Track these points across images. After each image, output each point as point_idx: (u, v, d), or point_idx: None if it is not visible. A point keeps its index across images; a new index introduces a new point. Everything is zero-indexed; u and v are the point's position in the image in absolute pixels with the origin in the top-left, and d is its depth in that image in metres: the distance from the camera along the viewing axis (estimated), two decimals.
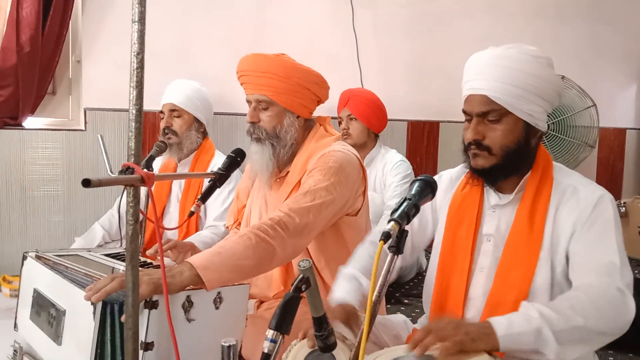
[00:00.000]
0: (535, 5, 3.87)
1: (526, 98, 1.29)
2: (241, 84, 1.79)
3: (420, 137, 3.68)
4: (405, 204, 1.01)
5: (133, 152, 1.06)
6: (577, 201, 1.30)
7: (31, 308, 1.48)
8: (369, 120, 3.02)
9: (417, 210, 1.03)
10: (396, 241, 0.95)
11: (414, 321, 1.56)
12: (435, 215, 1.50)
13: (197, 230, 2.43)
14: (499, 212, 1.38)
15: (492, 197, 1.39)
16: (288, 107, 1.73)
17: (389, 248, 0.96)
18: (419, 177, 1.11)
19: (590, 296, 1.17)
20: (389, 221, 0.97)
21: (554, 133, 3.64)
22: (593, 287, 1.20)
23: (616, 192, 4.28)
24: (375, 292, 0.95)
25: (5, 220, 2.82)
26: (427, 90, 3.63)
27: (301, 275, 0.93)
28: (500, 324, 1.10)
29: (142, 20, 1.03)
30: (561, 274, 1.29)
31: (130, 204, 1.06)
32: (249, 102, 1.76)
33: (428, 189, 1.08)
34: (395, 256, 0.96)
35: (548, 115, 3.82)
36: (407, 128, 3.65)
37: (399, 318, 1.53)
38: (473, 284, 1.35)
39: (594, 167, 4.19)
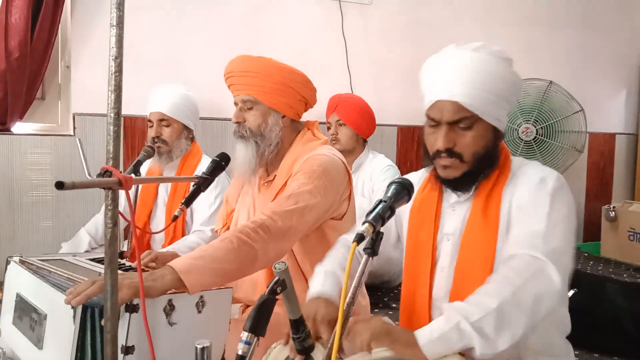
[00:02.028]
0: (526, 13, 3.91)
1: (496, 103, 1.26)
2: (228, 87, 1.81)
3: (410, 143, 3.70)
4: (380, 206, 1.01)
5: (111, 156, 1.06)
6: (524, 184, 1.27)
7: (14, 313, 1.47)
8: (358, 125, 3.03)
9: (393, 212, 1.03)
10: (371, 243, 0.95)
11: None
12: (398, 220, 1.47)
13: (183, 234, 2.43)
14: (458, 209, 1.35)
15: (451, 195, 1.37)
16: (272, 106, 1.75)
17: (364, 250, 0.96)
18: (395, 180, 1.12)
19: (506, 273, 1.12)
20: (363, 223, 0.97)
21: (542, 138, 3.66)
22: (510, 262, 1.15)
23: (606, 197, 4.31)
24: (349, 294, 0.95)
25: None
26: (417, 96, 3.60)
27: (277, 278, 0.94)
28: (421, 334, 1.05)
29: (120, 24, 1.04)
30: None
31: (109, 207, 1.06)
32: (236, 104, 1.79)
33: (404, 192, 1.08)
34: (370, 258, 0.96)
35: (536, 120, 3.82)
36: (397, 133, 3.66)
37: None
38: (436, 285, 1.33)
39: (584, 172, 4.23)
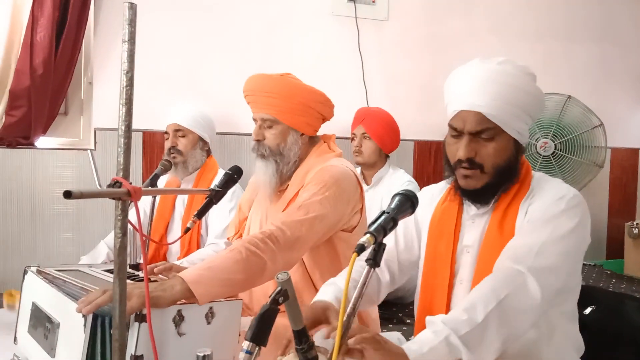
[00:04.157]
0: (544, 26, 3.89)
1: (518, 116, 1.27)
2: (247, 103, 1.84)
3: (427, 157, 3.69)
4: (382, 217, 1.01)
5: (122, 167, 1.09)
6: (541, 199, 1.28)
7: (29, 321, 1.51)
8: (382, 140, 3.04)
9: (395, 224, 1.03)
10: (373, 254, 0.95)
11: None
12: (419, 233, 1.48)
13: (198, 247, 2.47)
14: (477, 221, 1.35)
15: (471, 207, 1.37)
16: (292, 125, 1.77)
17: (366, 260, 0.97)
18: (399, 191, 1.12)
19: (493, 286, 1.15)
20: (365, 234, 0.98)
21: (562, 153, 3.61)
22: (497, 275, 1.18)
23: (629, 213, 4.22)
24: (350, 305, 0.95)
25: (16, 237, 2.89)
26: (433, 111, 3.64)
27: (279, 288, 0.94)
28: (411, 348, 1.06)
29: (131, 40, 1.07)
30: None
31: (118, 217, 1.08)
32: (255, 120, 1.81)
33: (408, 204, 1.08)
34: (372, 269, 0.96)
35: (555, 135, 3.77)
36: (414, 148, 3.66)
37: (393, 336, 1.53)
38: (454, 297, 1.33)
39: (607, 188, 4.15)
